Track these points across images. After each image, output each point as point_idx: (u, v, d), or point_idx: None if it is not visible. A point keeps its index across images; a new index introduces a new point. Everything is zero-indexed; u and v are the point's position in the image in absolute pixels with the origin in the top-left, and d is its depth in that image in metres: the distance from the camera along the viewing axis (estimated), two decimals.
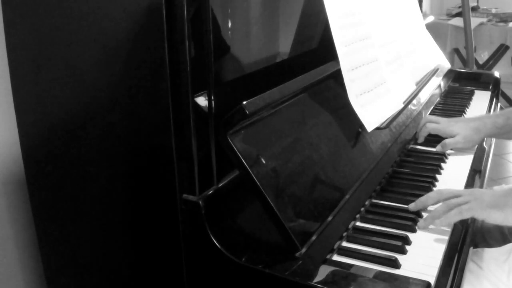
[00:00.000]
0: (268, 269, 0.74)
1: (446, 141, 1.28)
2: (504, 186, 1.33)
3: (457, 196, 0.95)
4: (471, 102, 1.74)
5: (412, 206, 0.99)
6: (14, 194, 1.11)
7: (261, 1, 0.99)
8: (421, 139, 1.34)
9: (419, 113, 1.44)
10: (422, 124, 1.35)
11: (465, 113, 1.62)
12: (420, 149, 1.32)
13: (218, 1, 0.81)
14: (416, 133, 1.36)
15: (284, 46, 1.08)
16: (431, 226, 0.93)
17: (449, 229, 0.93)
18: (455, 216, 0.91)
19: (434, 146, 1.30)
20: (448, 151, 1.29)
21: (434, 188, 1.10)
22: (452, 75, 1.95)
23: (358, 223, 0.95)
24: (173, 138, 0.76)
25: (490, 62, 4.14)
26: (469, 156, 1.28)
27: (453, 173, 1.19)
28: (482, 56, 4.29)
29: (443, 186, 1.11)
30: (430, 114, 1.53)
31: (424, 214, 0.99)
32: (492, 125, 1.30)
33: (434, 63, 1.67)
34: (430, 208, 0.99)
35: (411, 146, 1.33)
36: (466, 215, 0.91)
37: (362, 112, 1.04)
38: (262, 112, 0.83)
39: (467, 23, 3.22)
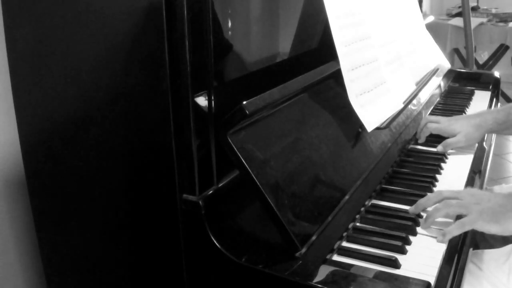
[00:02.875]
0: (268, 269, 0.74)
1: (448, 140, 1.27)
2: (504, 186, 1.33)
3: (457, 197, 0.95)
4: (471, 102, 1.74)
5: (412, 209, 0.97)
6: (14, 194, 1.11)
7: (261, 1, 0.99)
8: (422, 140, 1.33)
9: (419, 113, 1.44)
10: (422, 125, 1.34)
11: (465, 113, 1.62)
12: (420, 149, 1.32)
13: (218, 1, 0.81)
14: (416, 133, 1.36)
15: (284, 46, 1.08)
16: (429, 233, 0.92)
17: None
18: (457, 230, 0.90)
19: (434, 146, 1.29)
20: (448, 151, 1.29)
21: (434, 188, 1.10)
22: (452, 75, 1.95)
23: (358, 223, 0.95)
24: (173, 138, 0.76)
25: (490, 62, 4.15)
26: (469, 156, 1.28)
27: (453, 173, 1.19)
28: (482, 56, 4.29)
29: (443, 186, 1.11)
30: (430, 114, 1.53)
31: (424, 215, 0.99)
32: (493, 120, 1.28)
33: (434, 63, 1.67)
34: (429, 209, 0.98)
35: (411, 146, 1.33)
36: (467, 228, 0.90)
37: (362, 112, 1.04)
38: (262, 112, 0.83)
39: (467, 23, 3.22)
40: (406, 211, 0.98)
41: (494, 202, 0.91)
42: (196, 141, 0.75)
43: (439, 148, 1.27)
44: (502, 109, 1.31)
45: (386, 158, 1.14)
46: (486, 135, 1.39)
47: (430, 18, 3.98)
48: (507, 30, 3.92)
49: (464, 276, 0.86)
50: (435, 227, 0.93)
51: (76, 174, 0.90)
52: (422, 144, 1.33)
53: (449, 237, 0.89)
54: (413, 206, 0.98)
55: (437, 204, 0.95)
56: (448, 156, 1.27)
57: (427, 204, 0.97)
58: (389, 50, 1.25)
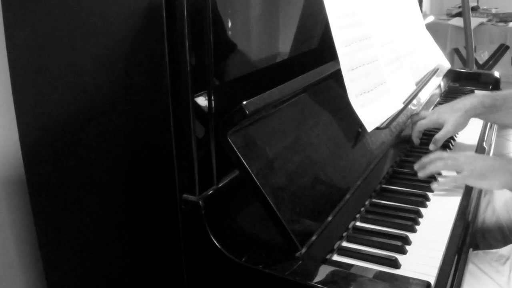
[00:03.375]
0: (268, 269, 0.74)
1: (436, 136, 1.23)
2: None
3: (454, 158, 1.08)
4: None
5: (416, 166, 1.12)
6: (14, 194, 1.11)
7: (262, 1, 0.99)
8: (416, 141, 1.30)
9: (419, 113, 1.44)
10: (412, 126, 1.30)
11: None
12: (420, 149, 1.32)
13: (218, 0, 0.81)
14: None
15: (284, 46, 1.08)
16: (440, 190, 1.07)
17: (449, 227, 0.93)
18: (450, 183, 1.06)
19: None
20: (448, 151, 1.28)
21: (434, 188, 1.10)
22: (452, 75, 1.95)
23: (358, 223, 0.95)
24: (173, 138, 0.76)
25: (490, 62, 4.15)
26: None
27: (453, 173, 1.18)
28: (482, 56, 4.29)
29: (443, 186, 1.11)
30: None
31: (426, 213, 0.99)
32: (479, 104, 1.24)
33: (434, 63, 1.67)
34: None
35: (411, 146, 1.33)
36: (459, 182, 1.06)
37: (362, 112, 1.04)
38: (262, 112, 0.83)
39: (467, 23, 3.22)
40: (406, 211, 0.99)
41: (485, 162, 1.05)
42: (196, 141, 0.75)
43: (431, 147, 1.23)
44: (488, 94, 1.29)
45: (386, 158, 1.14)
46: (486, 135, 1.38)
47: (430, 18, 3.98)
48: (507, 30, 3.92)
49: (464, 277, 0.86)
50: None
51: (76, 174, 0.90)
52: (422, 144, 1.33)
53: (441, 187, 1.07)
54: (417, 163, 1.12)
55: (436, 160, 1.09)
56: None
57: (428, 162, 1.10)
58: (389, 50, 1.25)
